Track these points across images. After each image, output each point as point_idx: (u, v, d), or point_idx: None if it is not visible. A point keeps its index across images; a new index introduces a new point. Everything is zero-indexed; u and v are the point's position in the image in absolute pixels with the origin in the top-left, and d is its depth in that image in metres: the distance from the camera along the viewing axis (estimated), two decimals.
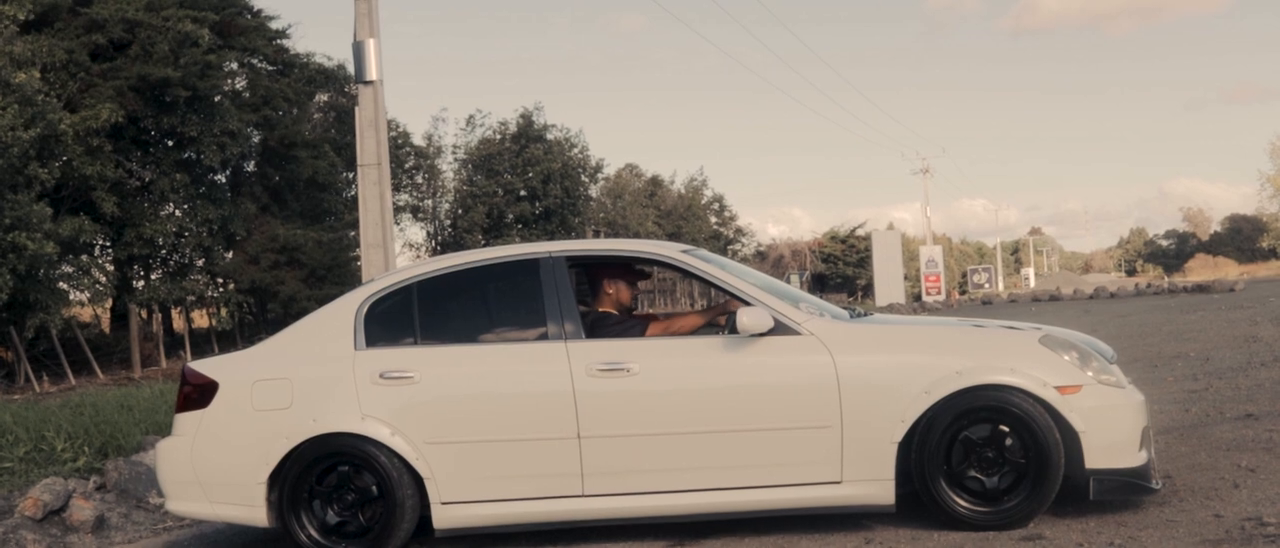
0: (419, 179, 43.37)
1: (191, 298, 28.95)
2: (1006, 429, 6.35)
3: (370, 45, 16.31)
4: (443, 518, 6.63)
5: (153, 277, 29.17)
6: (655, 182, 59.95)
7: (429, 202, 44.18)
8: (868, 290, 62.69)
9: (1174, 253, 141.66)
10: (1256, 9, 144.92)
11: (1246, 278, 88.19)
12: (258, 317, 31.15)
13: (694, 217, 60.24)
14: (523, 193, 44.46)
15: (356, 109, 16.50)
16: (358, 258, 19.21)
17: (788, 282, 70.69)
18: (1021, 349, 6.56)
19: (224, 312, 31.22)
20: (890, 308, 45.93)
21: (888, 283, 57.01)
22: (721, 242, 63.61)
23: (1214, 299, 39.36)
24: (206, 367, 6.98)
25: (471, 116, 46.61)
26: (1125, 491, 6.42)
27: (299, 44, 36.26)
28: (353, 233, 27.88)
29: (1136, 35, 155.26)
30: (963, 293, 71.04)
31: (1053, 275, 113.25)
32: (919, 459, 6.35)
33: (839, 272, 70.67)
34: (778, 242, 73.42)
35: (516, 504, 6.63)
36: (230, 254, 29.90)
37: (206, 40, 26.24)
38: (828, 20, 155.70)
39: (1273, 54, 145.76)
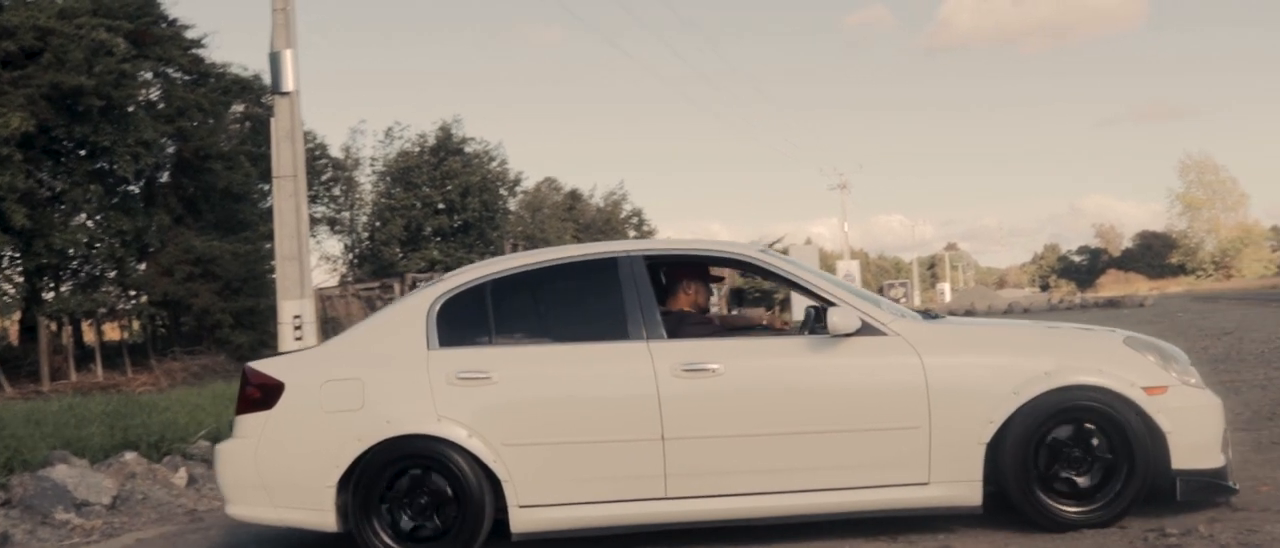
0: (336, 191, 43.05)
1: (103, 310, 28.48)
2: (1093, 428, 6.40)
3: (287, 56, 16.16)
4: (521, 521, 6.48)
5: (63, 289, 28.67)
6: (574, 195, 59.93)
7: (346, 214, 43.86)
8: (786, 305, 62.97)
9: (1086, 268, 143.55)
10: (1165, 29, 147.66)
11: (1156, 293, 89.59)
12: (171, 330, 30.72)
13: (613, 230, 60.23)
14: (441, 206, 44.24)
15: (272, 120, 16.35)
16: (273, 270, 18.99)
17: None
18: (1107, 350, 6.64)
19: (136, 324, 30.75)
20: None
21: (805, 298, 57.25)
22: None
23: (1124, 314, 39.97)
24: (271, 367, 6.82)
25: (390, 129, 46.48)
26: (1209, 491, 6.51)
27: (215, 54, 35.96)
28: (268, 245, 27.57)
29: (1049, 54, 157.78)
30: None
31: (968, 290, 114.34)
32: (1008, 460, 6.34)
33: (758, 286, 70.94)
34: None
35: (597, 507, 6.50)
36: (143, 266, 29.44)
37: (121, 49, 25.84)
38: (746, 36, 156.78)
39: (1181, 74, 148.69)
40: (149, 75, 29.29)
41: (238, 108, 33.12)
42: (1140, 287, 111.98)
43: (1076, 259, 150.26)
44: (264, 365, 6.83)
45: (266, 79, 17.43)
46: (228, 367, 24.67)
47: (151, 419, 11.67)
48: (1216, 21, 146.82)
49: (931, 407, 6.40)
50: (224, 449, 6.78)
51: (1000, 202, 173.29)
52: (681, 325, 6.84)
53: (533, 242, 49.13)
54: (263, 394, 6.68)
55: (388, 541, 6.48)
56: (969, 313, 51.55)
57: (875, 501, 6.47)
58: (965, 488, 6.40)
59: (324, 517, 6.51)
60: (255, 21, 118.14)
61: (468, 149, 45.26)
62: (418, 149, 44.71)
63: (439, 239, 44.15)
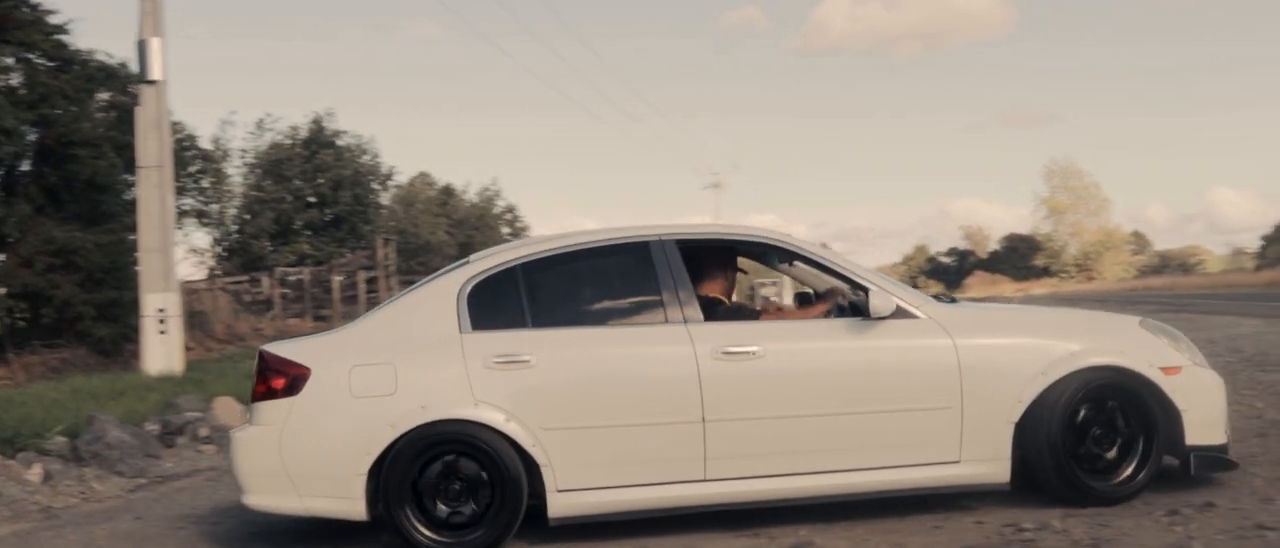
0: (205, 183, 42.31)
1: None
2: (1115, 407, 6.67)
3: (154, 44, 15.88)
4: (558, 506, 6.41)
5: None
6: (448, 191, 59.59)
7: (215, 206, 43.13)
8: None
9: (955, 269, 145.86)
10: (1033, 37, 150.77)
11: (1021, 294, 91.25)
12: (31, 322, 29.97)
13: (486, 226, 60.02)
14: (312, 199, 43.74)
15: (138, 109, 16.06)
16: (138, 262, 18.63)
17: None
18: (1126, 333, 6.94)
19: None
20: None
21: None
22: None
23: None
24: (292, 351, 6.59)
25: (261, 120, 45.67)
26: (1215, 466, 6.83)
27: (81, 40, 35.03)
28: (133, 236, 27.03)
29: (920, 58, 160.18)
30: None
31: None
32: (1042, 438, 6.54)
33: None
34: None
35: (636, 490, 6.48)
36: (2, 257, 28.74)
37: None
38: (622, 34, 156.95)
39: (1046, 80, 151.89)
40: (10, 61, 28.55)
41: (103, 96, 32.41)
42: (1006, 288, 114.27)
43: (945, 260, 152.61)
44: (285, 350, 6.62)
45: (134, 67, 17.11)
46: (89, 360, 24.13)
47: (7, 415, 11.37)
48: (1082, 30, 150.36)
49: (963, 387, 6.59)
50: (243, 438, 6.55)
51: (872, 203, 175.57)
52: (712, 310, 6.86)
53: (405, 236, 48.81)
54: (286, 380, 6.46)
55: (421, 528, 6.33)
56: None
57: (908, 480, 6.61)
58: (995, 466, 6.61)
59: (354, 506, 6.35)
60: (123, 8, 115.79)
61: (340, 142, 44.81)
62: (289, 141, 44.18)
63: (310, 233, 43.65)
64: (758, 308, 7.39)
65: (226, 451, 6.65)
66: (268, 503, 6.52)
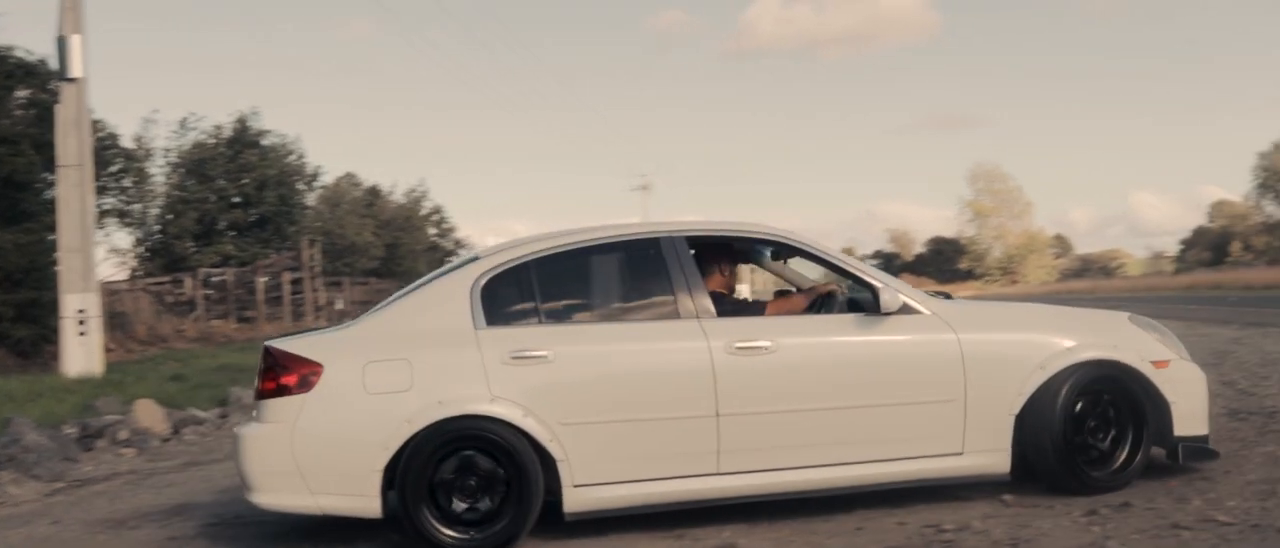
0: (127, 183, 41.77)
1: None
2: (1109, 399, 6.95)
3: (74, 41, 15.67)
4: (574, 501, 6.44)
5: None
6: (374, 191, 59.24)
7: (137, 206, 42.58)
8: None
9: (881, 271, 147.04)
10: (958, 41, 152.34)
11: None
12: None
13: (413, 227, 59.73)
14: (237, 199, 43.27)
15: (58, 107, 15.83)
16: (58, 262, 18.37)
17: None
18: (1118, 328, 7.22)
19: None
20: None
21: None
22: (439, 253, 63.23)
23: None
24: (303, 347, 6.50)
25: (184, 119, 44.98)
26: (1199, 456, 7.12)
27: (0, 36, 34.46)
28: (52, 236, 26.64)
29: (848, 61, 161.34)
30: None
31: (767, 291, 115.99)
32: (1044, 430, 6.77)
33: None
34: None
35: (650, 484, 6.52)
36: None
37: None
38: (552, 35, 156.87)
39: (971, 85, 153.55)
40: None
41: (23, 93, 31.92)
42: (931, 290, 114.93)
43: (871, 263, 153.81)
44: (294, 346, 6.53)
45: (54, 64, 16.87)
46: (7, 362, 23.72)
47: None
48: (1007, 35, 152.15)
49: (967, 380, 6.78)
50: (251, 436, 6.44)
51: (799, 205, 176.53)
52: (719, 305, 6.92)
53: (331, 237, 48.47)
54: (297, 377, 6.38)
55: (437, 524, 6.29)
56: None
57: (914, 471, 6.79)
58: (996, 457, 6.83)
59: (368, 503, 6.30)
60: (43, 4, 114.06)
61: (265, 142, 44.37)
62: (213, 141, 43.65)
63: (234, 233, 43.18)
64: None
65: (235, 448, 6.58)
66: (278, 502, 6.41)
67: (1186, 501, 6.52)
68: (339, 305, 43.25)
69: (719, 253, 7.42)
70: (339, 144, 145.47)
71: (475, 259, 6.93)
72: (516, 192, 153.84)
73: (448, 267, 7.15)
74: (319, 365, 6.37)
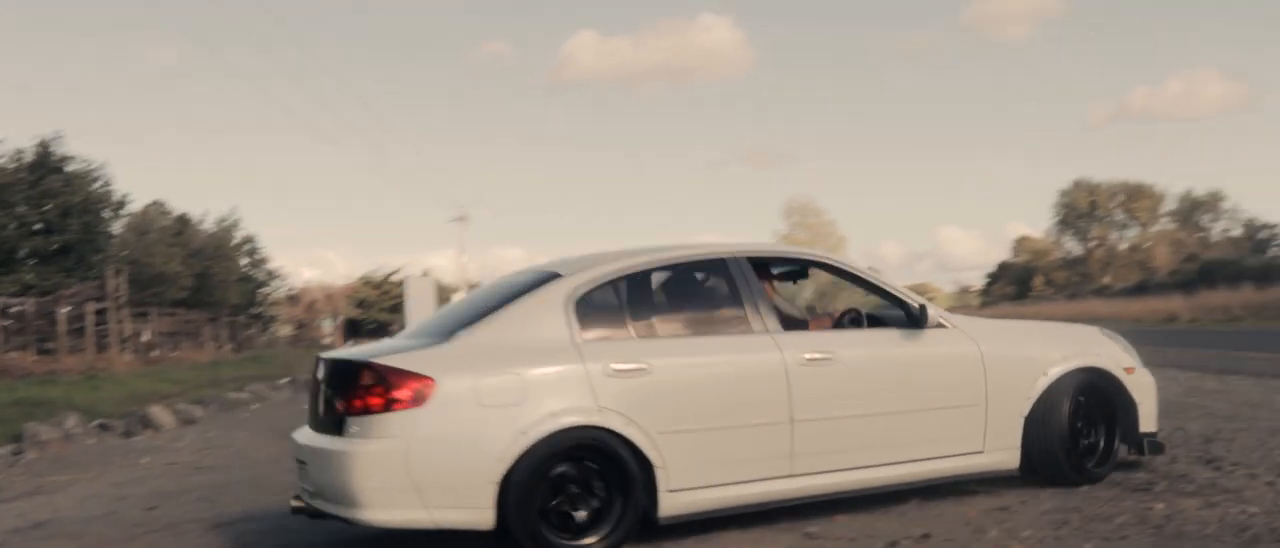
0: None
1: None
2: (1087, 402, 7.98)
3: None
4: (670, 505, 6.75)
5: None
6: (183, 220, 57.84)
7: None
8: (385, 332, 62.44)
9: None
10: (773, 77, 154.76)
11: None
12: None
13: (223, 257, 58.48)
14: (38, 226, 41.89)
15: None
16: None
17: (319, 327, 69.13)
18: (1094, 340, 8.25)
19: None
20: None
21: None
22: (252, 284, 62.01)
23: None
24: (411, 362, 6.48)
25: None
26: (1155, 449, 8.22)
27: None
28: None
29: (666, 95, 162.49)
30: None
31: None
32: (1052, 430, 7.75)
33: (373, 317, 70.28)
34: (311, 285, 72.30)
35: (735, 488, 6.94)
36: None
37: None
38: (368, 66, 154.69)
39: (786, 119, 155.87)
40: None
41: None
42: None
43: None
44: (401, 362, 6.50)
45: None
46: None
47: None
48: (820, 71, 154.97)
49: (988, 387, 7.65)
50: (363, 453, 6.33)
51: (617, 237, 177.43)
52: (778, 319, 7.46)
53: (138, 266, 47.16)
54: (410, 392, 6.35)
55: (550, 533, 6.48)
56: None
57: (945, 469, 7.58)
58: (1009, 454, 7.75)
59: (483, 515, 6.38)
60: None
61: (69, 168, 43.05)
62: (13, 166, 42.19)
63: (35, 262, 41.77)
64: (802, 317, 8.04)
65: (328, 466, 6.52)
66: (391, 518, 6.39)
67: (984, 531, 6.76)
68: (145, 337, 42.12)
69: (771, 274, 8.11)
70: (147, 172, 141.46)
71: (556, 275, 7.14)
72: (332, 221, 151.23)
73: (522, 280, 7.39)
74: (431, 380, 6.39)
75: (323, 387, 6.92)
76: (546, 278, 7.13)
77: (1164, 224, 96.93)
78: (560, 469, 6.55)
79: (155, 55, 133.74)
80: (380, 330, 69.26)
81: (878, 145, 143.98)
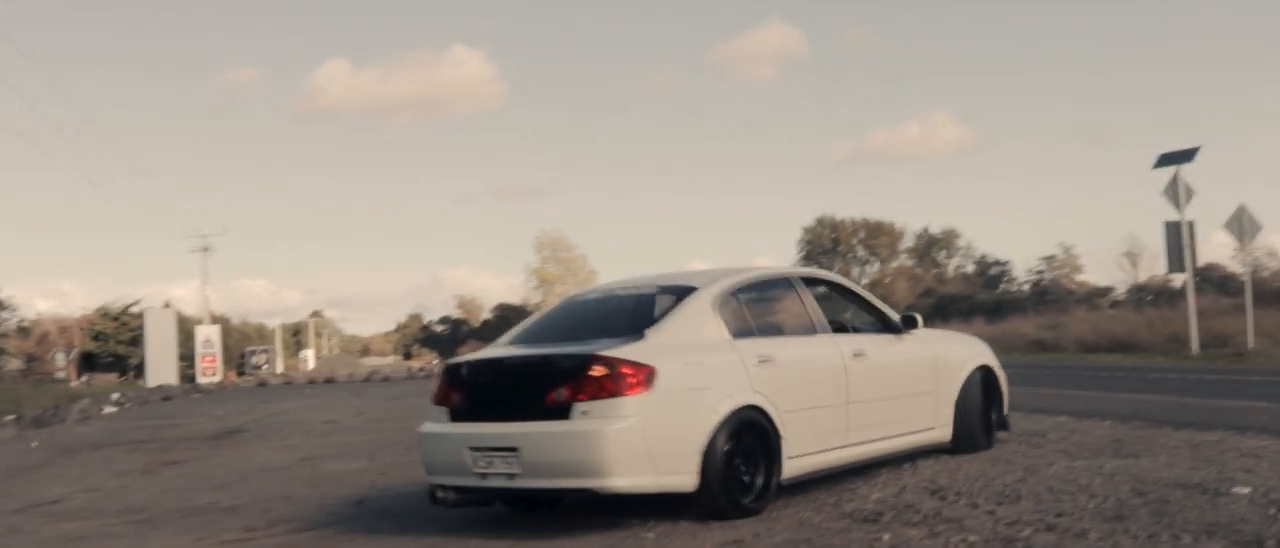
0: None
1: None
2: (985, 389, 10.60)
3: None
4: (789, 469, 8.35)
5: None
6: None
7: None
8: (141, 371, 60.27)
9: (448, 338, 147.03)
10: (523, 111, 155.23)
11: None
12: None
13: None
14: None
15: None
16: None
17: (53, 361, 66.36)
18: (982, 346, 11.02)
19: None
20: (162, 388, 44.43)
21: (161, 363, 55.29)
22: None
23: None
24: (636, 354, 7.65)
25: None
26: (1007, 426, 11.07)
27: None
28: None
29: (416, 126, 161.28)
30: (241, 374, 70.19)
31: (332, 358, 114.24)
32: (972, 409, 10.37)
33: (110, 350, 67.65)
34: (44, 317, 69.38)
35: (819, 455, 8.70)
36: None
37: None
38: (109, 92, 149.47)
39: (537, 153, 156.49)
40: None
41: None
42: None
43: (439, 329, 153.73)
44: (629, 353, 7.64)
45: None
46: None
47: None
48: (570, 106, 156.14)
49: (937, 378, 10.11)
50: (607, 430, 7.41)
51: (367, 270, 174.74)
52: None
53: None
54: (638, 378, 7.52)
55: (734, 492, 7.90)
56: (329, 379, 51.71)
57: (915, 442, 9.86)
58: (947, 430, 10.21)
59: (690, 479, 7.68)
60: None
61: None
62: None
63: None
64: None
65: (579, 444, 7.49)
66: (629, 484, 7.49)
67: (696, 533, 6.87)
68: None
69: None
70: None
71: (691, 288, 8.63)
72: (70, 251, 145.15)
73: (650, 290, 8.97)
74: (655, 368, 7.61)
75: (503, 383, 8.15)
76: (686, 289, 8.63)
77: (903, 260, 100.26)
78: (732, 441, 7.86)
79: None
80: (118, 364, 66.72)
81: (628, 180, 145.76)
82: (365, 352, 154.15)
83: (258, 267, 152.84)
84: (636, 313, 8.55)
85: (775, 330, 8.94)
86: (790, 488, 8.46)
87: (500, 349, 8.68)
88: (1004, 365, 11.08)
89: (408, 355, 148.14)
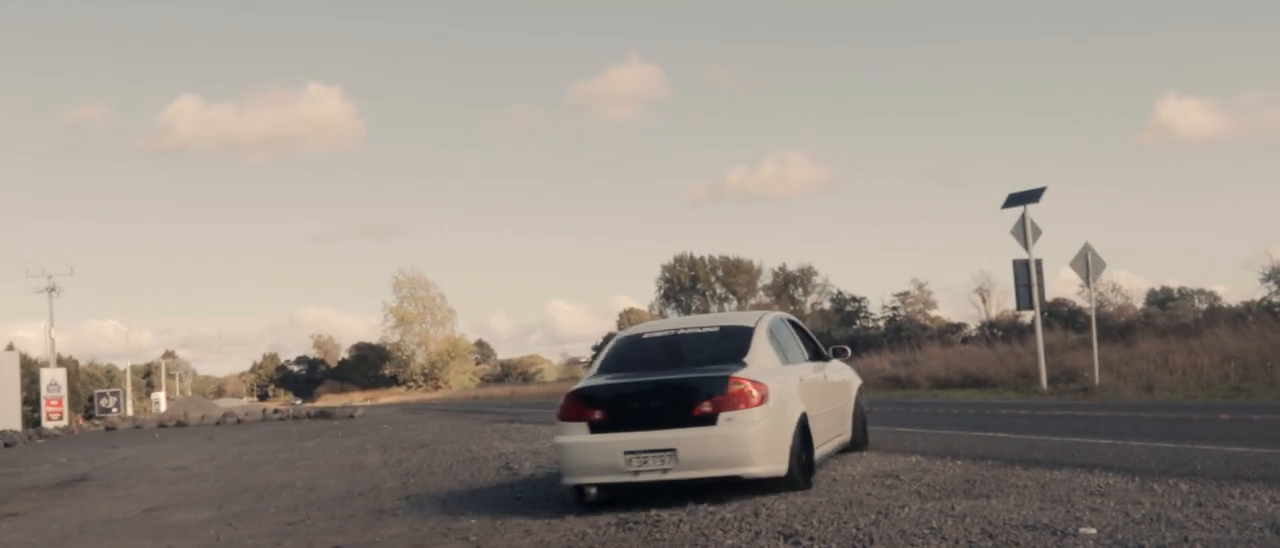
0: None
1: None
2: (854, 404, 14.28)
3: None
4: (817, 455, 11.44)
5: None
6: None
7: None
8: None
9: (305, 378, 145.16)
10: (382, 151, 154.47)
11: (369, 403, 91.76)
12: None
13: None
14: None
15: None
16: None
17: None
18: (854, 372, 14.77)
19: None
20: (3, 434, 43.06)
21: (3, 407, 53.46)
22: None
23: (334, 425, 40.68)
24: (758, 376, 10.34)
25: None
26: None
27: None
28: None
29: (271, 165, 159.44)
30: (89, 418, 68.35)
31: (185, 400, 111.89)
32: (860, 421, 14.25)
33: None
34: None
35: (821, 448, 11.72)
36: None
37: None
38: None
39: (395, 193, 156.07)
40: None
41: None
42: (356, 397, 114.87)
43: (295, 369, 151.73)
44: (754, 375, 10.30)
45: None
46: None
47: None
48: (429, 147, 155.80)
49: (850, 395, 13.96)
50: (751, 432, 10.03)
51: (220, 310, 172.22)
52: None
53: None
54: (761, 395, 10.13)
55: (806, 474, 10.81)
56: (180, 423, 50.56)
57: (842, 441, 13.35)
58: (849, 437, 13.68)
59: (784, 466, 10.34)
60: None
61: None
62: None
63: None
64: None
65: (729, 443, 10.02)
66: (763, 470, 10.17)
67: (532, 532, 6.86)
68: None
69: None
70: None
71: (750, 327, 11.44)
72: None
73: (730, 326, 11.74)
74: (769, 386, 10.30)
75: (649, 401, 10.22)
76: (749, 326, 11.46)
77: (761, 296, 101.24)
78: (796, 437, 10.60)
79: None
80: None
81: (487, 219, 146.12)
82: (219, 393, 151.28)
83: (108, 307, 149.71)
84: (721, 345, 11.17)
85: (792, 358, 11.91)
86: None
87: (627, 376, 10.77)
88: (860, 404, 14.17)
89: (264, 396, 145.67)
